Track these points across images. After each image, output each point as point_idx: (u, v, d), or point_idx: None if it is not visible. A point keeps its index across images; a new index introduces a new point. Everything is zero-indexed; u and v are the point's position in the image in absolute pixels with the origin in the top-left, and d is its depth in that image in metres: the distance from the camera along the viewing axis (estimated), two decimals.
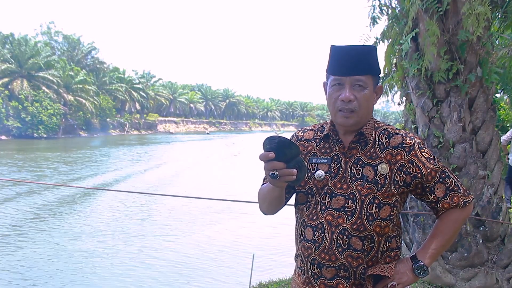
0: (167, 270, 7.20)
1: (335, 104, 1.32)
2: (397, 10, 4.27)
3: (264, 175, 1.41)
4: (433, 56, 3.74)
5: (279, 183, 1.20)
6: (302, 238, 1.37)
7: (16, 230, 9.53)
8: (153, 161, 25.10)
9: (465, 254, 3.81)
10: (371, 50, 1.31)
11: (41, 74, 43.06)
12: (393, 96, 4.92)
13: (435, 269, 3.79)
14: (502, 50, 4.97)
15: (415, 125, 4.25)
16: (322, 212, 1.32)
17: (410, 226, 4.25)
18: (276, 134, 1.21)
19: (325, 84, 1.38)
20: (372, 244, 1.30)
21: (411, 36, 3.90)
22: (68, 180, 16.78)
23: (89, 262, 7.56)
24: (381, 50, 5.16)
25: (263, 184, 1.46)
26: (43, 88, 42.89)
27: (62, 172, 18.81)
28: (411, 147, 1.31)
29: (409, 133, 1.35)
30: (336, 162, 1.35)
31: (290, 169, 1.16)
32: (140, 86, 64.39)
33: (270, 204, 1.41)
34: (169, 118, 77.57)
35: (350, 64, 1.27)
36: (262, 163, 1.19)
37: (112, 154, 29.12)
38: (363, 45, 1.34)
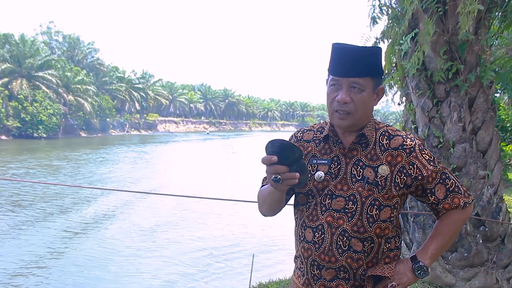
0: (167, 270, 7.20)
1: (332, 104, 1.31)
2: (397, 10, 4.26)
3: (264, 177, 1.40)
4: (423, 54, 3.74)
5: (281, 186, 1.18)
6: (302, 239, 1.37)
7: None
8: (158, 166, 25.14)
9: (465, 254, 3.81)
10: (373, 52, 1.29)
11: (40, 74, 43.00)
12: (393, 96, 4.93)
13: (435, 269, 3.79)
14: (501, 50, 4.95)
15: (415, 125, 4.25)
16: (322, 213, 1.32)
17: (410, 226, 4.24)
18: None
19: (327, 82, 1.36)
20: (372, 245, 1.30)
21: (411, 36, 3.91)
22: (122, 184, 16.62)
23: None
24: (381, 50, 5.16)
25: (262, 185, 1.45)
26: (43, 88, 42.82)
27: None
28: (412, 149, 1.30)
29: (409, 135, 1.34)
30: (336, 163, 1.34)
31: (293, 173, 1.14)
32: (140, 86, 64.36)
33: (270, 206, 1.40)
34: (169, 118, 77.51)
35: (349, 66, 1.25)
36: (264, 166, 1.17)
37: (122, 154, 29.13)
38: (365, 46, 1.30)
